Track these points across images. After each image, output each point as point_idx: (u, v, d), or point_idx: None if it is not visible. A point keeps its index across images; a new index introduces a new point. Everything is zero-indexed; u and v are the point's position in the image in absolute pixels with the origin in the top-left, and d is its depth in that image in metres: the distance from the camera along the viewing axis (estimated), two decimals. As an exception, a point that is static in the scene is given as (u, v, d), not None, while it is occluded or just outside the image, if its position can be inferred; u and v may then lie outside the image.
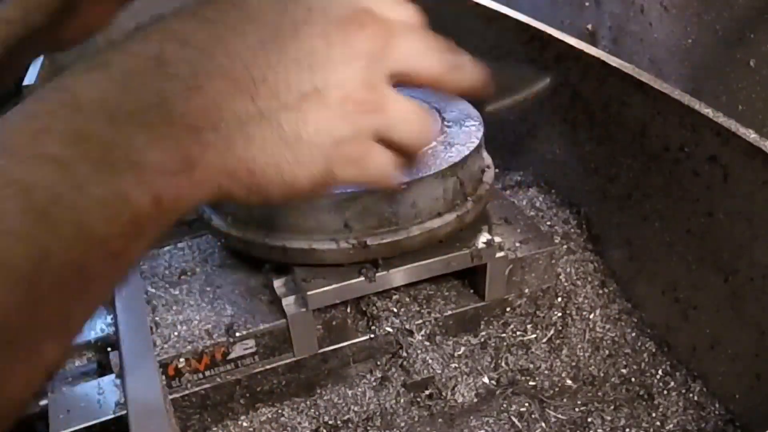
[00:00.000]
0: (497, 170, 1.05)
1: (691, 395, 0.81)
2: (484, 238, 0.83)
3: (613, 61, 0.86)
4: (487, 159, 0.91)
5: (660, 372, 0.84)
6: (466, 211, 0.83)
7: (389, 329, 0.83)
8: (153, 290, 0.84)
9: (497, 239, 0.83)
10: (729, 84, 1.30)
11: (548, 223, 0.93)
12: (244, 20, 0.31)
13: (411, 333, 0.84)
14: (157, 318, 0.80)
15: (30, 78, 1.05)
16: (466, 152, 0.82)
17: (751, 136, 0.72)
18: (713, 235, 0.78)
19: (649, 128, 0.83)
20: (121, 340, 0.68)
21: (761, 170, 0.72)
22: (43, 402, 0.69)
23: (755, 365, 0.75)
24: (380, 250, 0.78)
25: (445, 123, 0.88)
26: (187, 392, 0.79)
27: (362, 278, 0.78)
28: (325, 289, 0.78)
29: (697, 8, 1.36)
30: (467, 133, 0.86)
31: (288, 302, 0.79)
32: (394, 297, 0.85)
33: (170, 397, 0.78)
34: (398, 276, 0.81)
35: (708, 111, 0.76)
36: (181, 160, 0.29)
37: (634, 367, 0.85)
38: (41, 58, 1.08)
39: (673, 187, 0.82)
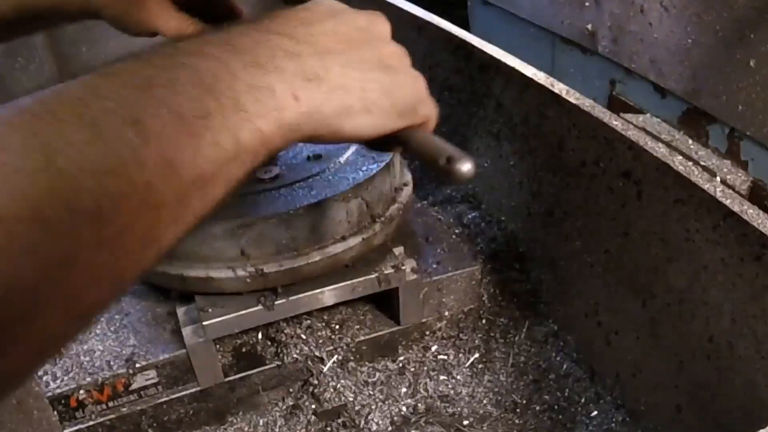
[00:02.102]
0: (431, 185, 1.00)
1: (613, 425, 0.74)
2: (393, 261, 0.78)
3: (529, 71, 0.79)
4: (405, 176, 0.85)
5: (584, 399, 0.78)
6: (373, 234, 0.77)
7: (297, 356, 0.78)
8: (62, 319, 0.81)
9: (407, 262, 0.78)
10: (729, 84, 1.23)
11: (475, 240, 0.87)
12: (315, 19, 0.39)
13: (321, 360, 0.79)
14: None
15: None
16: (373, 172, 0.77)
17: (660, 150, 0.65)
18: (630, 255, 0.71)
19: (566, 141, 0.76)
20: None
21: (673, 188, 0.65)
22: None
23: (676, 396, 0.68)
24: (279, 277, 0.73)
25: (359, 141, 0.83)
26: (91, 423, 0.76)
27: (261, 307, 0.74)
28: (223, 318, 0.73)
29: (697, 8, 1.28)
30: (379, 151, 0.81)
31: (187, 332, 0.75)
32: (305, 323, 0.81)
33: (74, 428, 0.76)
34: (300, 303, 0.76)
35: (617, 124, 0.69)
36: (304, 74, 0.35)
37: (558, 394, 0.79)
38: None
39: (590, 204, 0.75)
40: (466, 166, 0.40)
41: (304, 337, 0.79)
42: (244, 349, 0.80)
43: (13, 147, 0.24)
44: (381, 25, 0.42)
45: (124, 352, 0.76)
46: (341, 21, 0.40)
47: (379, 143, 0.44)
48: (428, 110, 0.42)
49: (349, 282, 0.76)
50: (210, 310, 0.74)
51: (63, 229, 0.24)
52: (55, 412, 0.71)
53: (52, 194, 0.24)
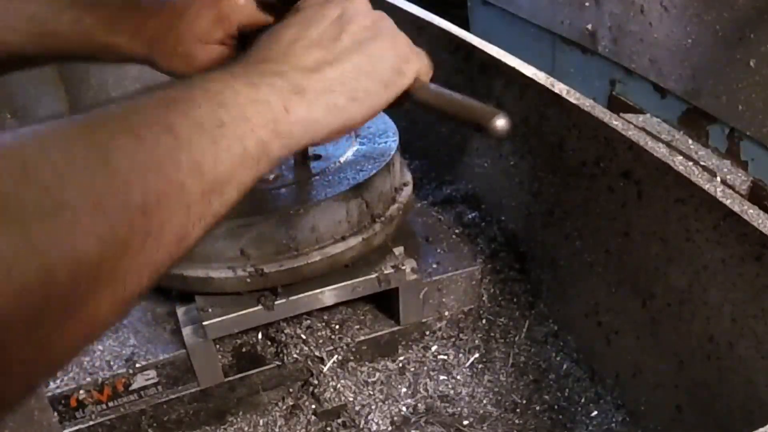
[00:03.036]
0: (431, 185, 0.99)
1: (613, 425, 0.74)
2: (393, 261, 0.77)
3: (529, 71, 0.79)
4: (405, 176, 0.85)
5: (584, 399, 0.77)
6: (373, 234, 0.77)
7: (297, 356, 0.78)
8: (62, 319, 0.81)
9: (407, 262, 0.78)
10: (729, 84, 1.23)
11: (475, 240, 0.87)
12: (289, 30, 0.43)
13: (321, 360, 0.79)
14: (61, 348, 0.77)
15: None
16: (373, 172, 0.77)
17: (660, 150, 0.65)
18: (630, 255, 0.71)
19: (566, 141, 0.76)
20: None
21: (673, 188, 0.64)
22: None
23: (676, 396, 0.68)
24: (279, 277, 0.73)
25: (359, 140, 0.83)
26: (91, 423, 0.76)
27: (261, 307, 0.74)
28: (223, 318, 0.73)
29: (697, 8, 1.28)
30: (379, 151, 0.81)
31: (187, 332, 0.75)
32: (305, 323, 0.80)
33: (74, 428, 0.76)
34: (300, 303, 0.75)
35: (617, 124, 0.68)
36: (292, 89, 0.39)
37: (558, 394, 0.79)
38: None
39: (591, 204, 0.75)
40: (500, 122, 0.42)
41: (304, 337, 0.79)
42: (244, 349, 0.80)
43: (77, 150, 0.29)
44: (353, 6, 0.44)
45: (124, 352, 0.75)
46: (312, 25, 0.43)
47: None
48: (415, 65, 0.45)
49: (349, 282, 0.76)
50: (210, 310, 0.74)
51: (119, 217, 0.29)
52: (55, 412, 0.71)
53: (110, 188, 0.29)
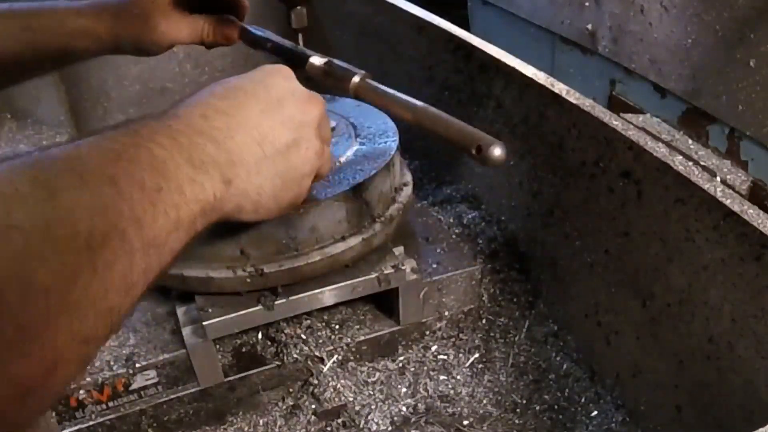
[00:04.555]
0: (431, 185, 1.00)
1: (613, 425, 0.74)
2: (393, 261, 0.77)
3: (529, 71, 0.79)
4: (405, 176, 0.85)
5: (584, 399, 0.77)
6: (373, 234, 0.77)
7: (297, 356, 0.78)
8: (62, 319, 0.81)
9: (407, 262, 0.78)
10: (729, 84, 1.23)
11: (475, 240, 0.87)
12: (250, 97, 0.48)
13: (321, 360, 0.79)
14: (61, 348, 0.77)
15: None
16: (373, 172, 0.77)
17: (660, 150, 0.65)
18: (630, 255, 0.71)
19: (566, 141, 0.76)
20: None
21: (673, 188, 0.64)
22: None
23: (676, 396, 0.68)
24: (279, 277, 0.73)
25: (359, 140, 0.83)
26: (91, 423, 0.76)
27: (261, 307, 0.74)
28: (223, 318, 0.73)
29: (697, 8, 1.28)
30: (379, 151, 0.81)
31: (187, 332, 0.75)
32: (305, 322, 0.80)
33: (74, 428, 0.76)
34: (300, 303, 0.75)
35: (617, 124, 0.68)
36: (222, 179, 0.44)
37: (558, 394, 0.79)
38: None
39: (590, 204, 0.75)
40: (498, 150, 0.44)
41: (304, 337, 0.79)
42: (244, 349, 0.80)
43: (23, 182, 0.31)
44: (294, 107, 0.50)
45: (124, 352, 0.75)
46: (264, 118, 0.48)
47: None
48: (326, 169, 0.55)
49: (349, 282, 0.76)
50: (210, 310, 0.74)
51: (67, 246, 0.30)
52: (55, 412, 0.71)
53: (57, 217, 0.31)
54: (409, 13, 1.02)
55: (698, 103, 1.32)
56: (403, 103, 0.59)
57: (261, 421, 0.79)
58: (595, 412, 0.75)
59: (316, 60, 0.67)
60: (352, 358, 0.80)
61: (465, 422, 0.78)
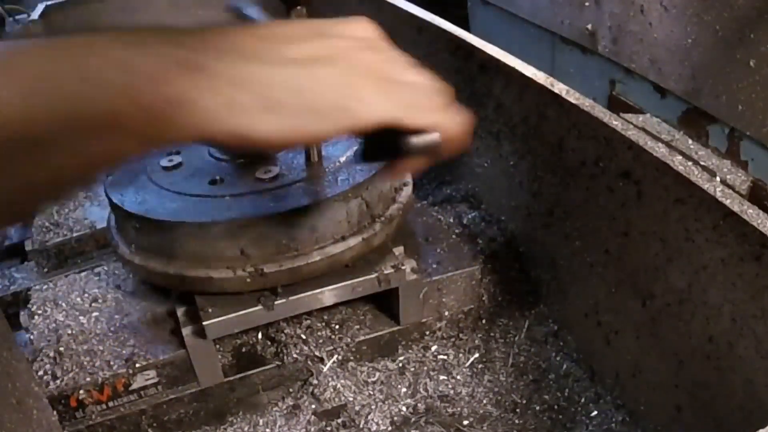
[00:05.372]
0: (431, 185, 1.00)
1: (613, 425, 0.74)
2: (393, 261, 0.77)
3: (529, 71, 0.79)
4: (405, 176, 0.85)
5: (584, 399, 0.77)
6: (373, 234, 0.77)
7: (297, 356, 0.78)
8: (62, 319, 0.81)
9: (407, 262, 0.78)
10: (729, 84, 1.23)
11: (475, 240, 0.87)
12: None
13: (321, 360, 0.79)
14: (61, 348, 0.77)
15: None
16: (373, 172, 0.77)
17: (660, 150, 0.65)
18: (630, 255, 0.71)
19: (566, 141, 0.76)
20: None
21: (673, 188, 0.64)
22: None
23: (676, 396, 0.68)
24: (279, 277, 0.73)
25: (358, 140, 0.83)
26: (91, 423, 0.76)
27: (261, 307, 0.74)
28: (223, 318, 0.73)
29: (697, 8, 1.28)
30: (379, 151, 0.80)
31: (187, 332, 0.75)
32: (305, 322, 0.80)
33: (74, 428, 0.76)
34: (300, 303, 0.75)
35: (617, 124, 0.68)
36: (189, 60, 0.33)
37: (558, 394, 0.79)
38: None
39: (590, 204, 0.75)
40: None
41: (304, 337, 0.79)
42: (244, 349, 0.80)
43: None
44: (341, 28, 0.39)
45: (124, 352, 0.75)
46: (281, 27, 0.38)
47: (374, 151, 0.42)
48: (372, 112, 0.37)
49: (349, 282, 0.76)
50: (210, 310, 0.74)
51: None
52: (55, 412, 0.71)
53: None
54: (409, 13, 1.02)
55: (698, 103, 1.31)
56: None
57: (261, 421, 0.79)
58: (595, 412, 0.75)
59: None
60: (352, 358, 0.80)
61: (465, 422, 0.78)
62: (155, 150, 0.36)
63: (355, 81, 0.37)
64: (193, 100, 0.33)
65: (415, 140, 0.41)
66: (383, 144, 0.42)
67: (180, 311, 0.77)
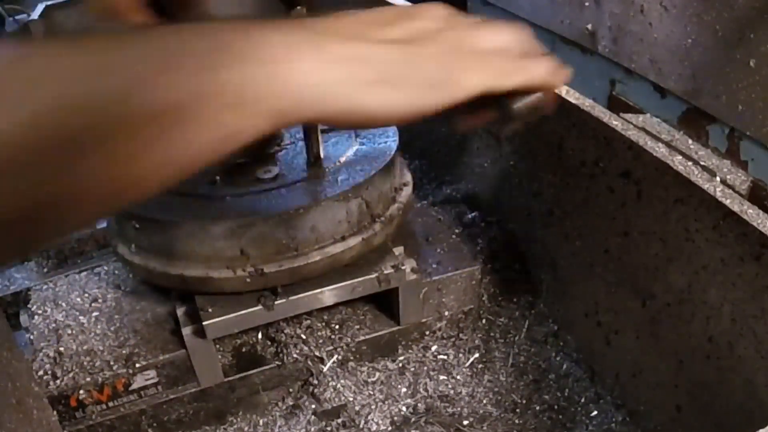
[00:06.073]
0: (431, 185, 1.00)
1: (613, 425, 0.74)
2: (393, 261, 0.77)
3: (529, 71, 0.79)
4: (405, 176, 0.85)
5: (584, 399, 0.77)
6: (373, 234, 0.77)
7: (297, 356, 0.78)
8: (62, 319, 0.81)
9: (407, 262, 0.78)
10: (729, 84, 1.23)
11: (475, 240, 0.87)
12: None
13: (321, 360, 0.79)
14: (61, 348, 0.77)
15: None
16: (373, 172, 0.77)
17: (660, 150, 0.65)
18: (630, 255, 0.71)
19: (566, 141, 0.76)
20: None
21: (673, 188, 0.64)
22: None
23: (676, 396, 0.68)
24: (279, 277, 0.73)
25: (359, 140, 0.83)
26: (91, 423, 0.76)
27: (261, 307, 0.74)
28: (223, 318, 0.73)
29: (697, 8, 1.28)
30: (379, 151, 0.81)
31: (187, 332, 0.75)
32: (305, 322, 0.80)
33: (74, 428, 0.76)
34: (300, 303, 0.75)
35: (617, 124, 0.68)
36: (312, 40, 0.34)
37: (558, 394, 0.79)
38: None
39: (590, 204, 0.75)
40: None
41: (304, 337, 0.79)
42: (244, 349, 0.80)
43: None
44: (425, 12, 0.41)
45: (124, 352, 0.75)
46: (372, 13, 0.39)
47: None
48: (474, 82, 0.39)
49: (349, 282, 0.76)
50: (210, 310, 0.74)
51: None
52: (55, 412, 0.71)
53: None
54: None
55: (698, 103, 1.31)
56: None
57: (261, 421, 0.79)
58: (595, 412, 0.75)
59: None
60: (352, 358, 0.80)
61: (465, 422, 0.78)
62: (280, 128, 0.37)
63: (453, 55, 0.40)
64: (321, 77, 0.34)
65: (520, 104, 0.42)
66: (485, 110, 0.43)
67: (180, 311, 0.77)
